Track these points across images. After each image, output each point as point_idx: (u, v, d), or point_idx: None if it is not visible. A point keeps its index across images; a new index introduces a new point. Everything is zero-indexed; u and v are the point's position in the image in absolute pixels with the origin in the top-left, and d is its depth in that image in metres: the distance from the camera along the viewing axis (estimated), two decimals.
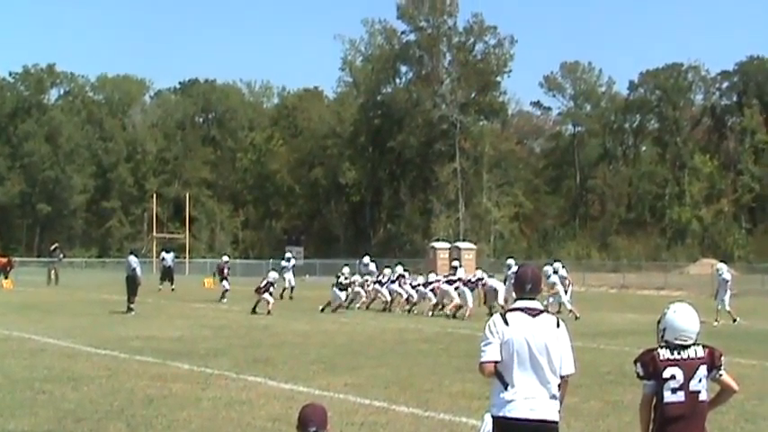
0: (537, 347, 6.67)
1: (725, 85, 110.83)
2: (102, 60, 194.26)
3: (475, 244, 70.05)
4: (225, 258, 41.60)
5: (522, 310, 6.85)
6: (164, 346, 20.52)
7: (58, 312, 31.17)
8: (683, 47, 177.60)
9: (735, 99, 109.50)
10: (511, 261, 36.43)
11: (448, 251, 63.76)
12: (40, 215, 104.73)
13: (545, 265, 34.55)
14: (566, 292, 32.67)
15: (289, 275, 41.58)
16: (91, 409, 12.75)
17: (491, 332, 6.79)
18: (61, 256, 55.85)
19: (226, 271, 39.10)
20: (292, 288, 40.95)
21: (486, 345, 6.78)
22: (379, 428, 11.45)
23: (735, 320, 29.35)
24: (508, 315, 6.85)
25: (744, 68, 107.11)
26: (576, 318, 29.33)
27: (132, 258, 32.40)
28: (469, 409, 12.51)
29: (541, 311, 6.90)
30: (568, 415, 12.11)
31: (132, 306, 30.68)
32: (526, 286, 6.97)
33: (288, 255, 44.74)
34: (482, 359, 6.79)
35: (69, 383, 15.04)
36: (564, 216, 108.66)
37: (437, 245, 66.10)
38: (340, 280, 34.03)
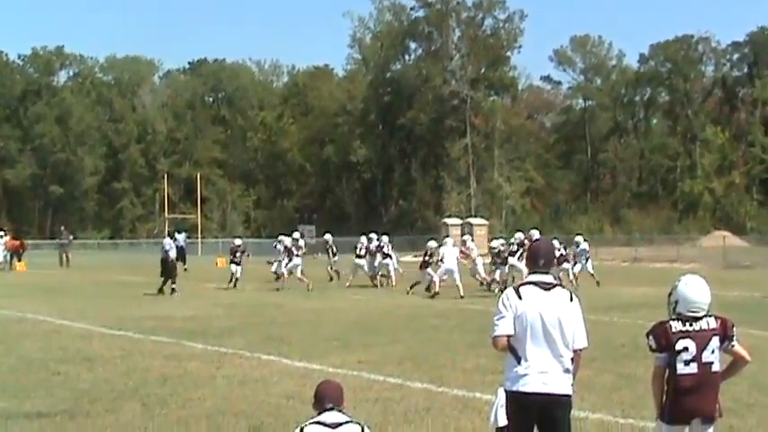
0: (550, 321, 6.70)
1: (736, 56, 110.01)
2: (111, 41, 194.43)
3: (487, 219, 70.11)
4: (237, 241, 38.35)
5: (535, 283, 6.87)
6: (178, 326, 20.61)
7: (72, 294, 31.30)
8: (694, 18, 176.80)
9: (746, 70, 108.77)
10: (579, 238, 35.67)
11: (460, 227, 63.85)
12: (51, 197, 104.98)
13: (577, 235, 36.47)
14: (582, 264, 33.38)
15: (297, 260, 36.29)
16: (106, 388, 12.83)
17: (504, 306, 6.81)
18: (70, 237, 55.91)
19: (238, 255, 35.81)
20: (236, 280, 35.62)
21: (499, 318, 6.80)
22: (393, 404, 11.49)
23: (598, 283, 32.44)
24: (521, 289, 6.88)
25: (754, 39, 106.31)
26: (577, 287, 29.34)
27: (167, 240, 32.28)
28: (483, 383, 12.53)
29: (555, 285, 6.92)
30: (582, 388, 12.12)
31: (174, 287, 30.28)
32: (539, 260, 7.00)
33: (296, 235, 38.48)
34: (495, 333, 6.81)
35: (84, 364, 15.13)
36: (575, 190, 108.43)
37: (449, 221, 66.21)
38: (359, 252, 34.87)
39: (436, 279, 29.77)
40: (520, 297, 6.79)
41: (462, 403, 11.59)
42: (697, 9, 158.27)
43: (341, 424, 6.28)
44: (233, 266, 35.10)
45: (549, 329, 6.70)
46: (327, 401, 6.46)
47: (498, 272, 30.94)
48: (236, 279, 34.53)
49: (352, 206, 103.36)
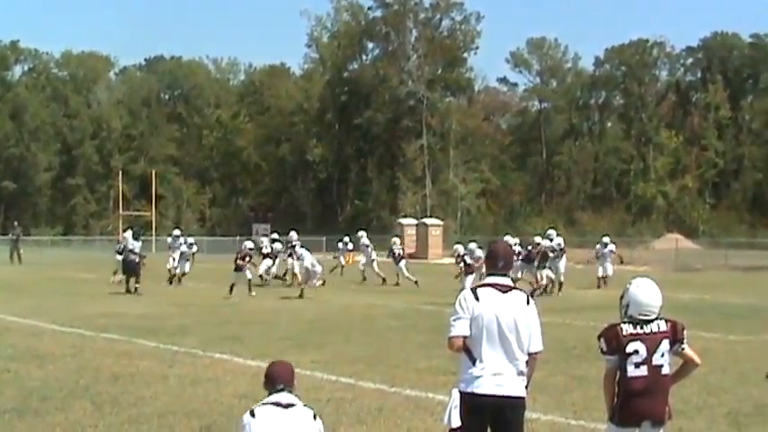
0: (506, 324, 6.71)
1: (689, 60, 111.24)
2: (67, 37, 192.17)
3: (442, 220, 70.24)
4: (176, 232, 37.84)
5: (492, 285, 6.88)
6: (130, 324, 20.48)
7: (23, 291, 31.01)
8: (648, 23, 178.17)
9: (699, 75, 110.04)
10: (606, 239, 36.22)
11: (415, 227, 63.99)
12: (4, 193, 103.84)
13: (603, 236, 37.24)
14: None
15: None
16: (56, 387, 12.72)
17: (461, 307, 6.81)
18: (18, 231, 55.06)
19: (180, 249, 35.39)
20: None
21: (455, 319, 6.80)
22: (346, 404, 11.49)
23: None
24: (479, 290, 6.88)
25: (708, 44, 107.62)
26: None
27: (133, 241, 31.44)
28: (436, 384, 12.56)
29: (512, 288, 6.93)
30: (534, 390, 12.14)
31: (138, 286, 29.72)
32: (498, 263, 7.01)
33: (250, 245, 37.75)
34: (451, 333, 6.81)
35: (34, 362, 14.99)
36: (530, 192, 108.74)
37: (404, 221, 66.31)
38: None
39: None
40: (477, 299, 6.79)
41: (415, 404, 11.61)
42: (652, 14, 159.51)
43: (293, 405, 6.29)
44: (172, 261, 35.35)
45: (505, 332, 6.70)
46: (279, 382, 6.44)
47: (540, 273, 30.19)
48: (181, 274, 34.77)
49: (308, 205, 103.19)
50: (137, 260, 30.34)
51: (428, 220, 67.18)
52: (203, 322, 21.24)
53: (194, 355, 15.84)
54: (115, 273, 33.55)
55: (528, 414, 10.67)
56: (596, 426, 9.89)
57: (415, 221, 66.57)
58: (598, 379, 6.95)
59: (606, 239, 36.07)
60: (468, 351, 6.75)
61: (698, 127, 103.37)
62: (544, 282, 30.11)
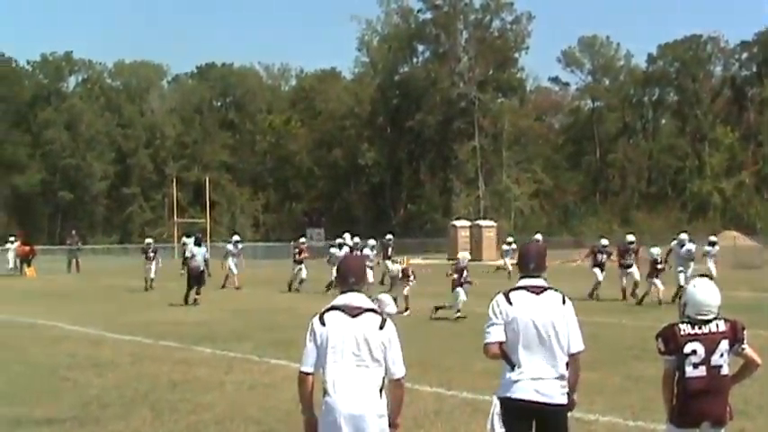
0: (542, 326, 6.64)
1: (744, 55, 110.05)
2: (119, 46, 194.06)
3: (495, 222, 70.00)
4: (148, 240, 39.48)
5: (525, 288, 6.81)
6: (187, 331, 20.60)
7: (81, 299, 31.27)
8: (702, 18, 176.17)
9: (754, 69, 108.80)
10: (684, 236, 30.99)
11: (469, 229, 63.82)
12: (61, 203, 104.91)
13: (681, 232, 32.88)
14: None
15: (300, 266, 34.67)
16: (116, 394, 12.84)
17: (494, 313, 6.77)
18: (77, 241, 55.69)
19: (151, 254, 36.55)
20: (301, 281, 34.22)
21: (490, 326, 6.76)
22: (403, 408, 11.45)
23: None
24: (512, 294, 6.81)
25: (763, 38, 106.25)
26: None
27: (195, 248, 29.65)
28: (492, 387, 12.23)
29: (546, 289, 6.84)
30: (591, 391, 12.11)
31: (197, 297, 28.07)
32: (530, 264, 6.95)
33: (303, 240, 37.50)
34: (486, 340, 6.77)
35: (93, 370, 15.15)
36: (584, 192, 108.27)
37: (458, 223, 66.12)
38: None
39: None
40: (510, 303, 6.73)
41: (472, 406, 11.60)
42: (705, 9, 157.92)
43: (361, 313, 6.39)
44: (149, 265, 35.86)
45: (542, 334, 6.63)
46: (351, 277, 6.56)
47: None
48: (150, 279, 35.44)
49: (361, 209, 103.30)
50: (201, 268, 28.73)
51: (482, 222, 66.97)
52: (258, 328, 21.30)
53: (250, 361, 15.91)
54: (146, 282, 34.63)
55: (585, 416, 10.68)
56: (656, 427, 9.82)
57: (468, 223, 66.36)
58: (655, 379, 6.89)
59: (684, 236, 30.89)
60: (505, 356, 6.71)
61: (754, 122, 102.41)
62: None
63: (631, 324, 21.19)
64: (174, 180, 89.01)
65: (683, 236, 30.53)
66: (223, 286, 34.63)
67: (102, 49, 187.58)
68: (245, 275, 36.56)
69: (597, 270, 29.50)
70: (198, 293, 28.24)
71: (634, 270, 28.44)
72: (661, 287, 26.46)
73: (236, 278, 34.93)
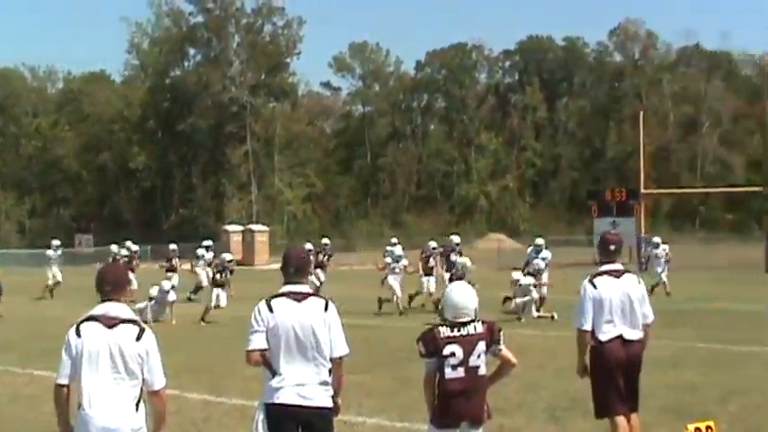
0: (303, 333, 6.66)
1: (507, 63, 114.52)
2: None
3: (268, 226, 70.10)
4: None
5: (287, 294, 6.83)
6: None
7: None
8: (467, 27, 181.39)
9: (517, 77, 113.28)
10: (657, 239, 32.91)
11: (241, 234, 63.72)
12: None
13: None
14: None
15: (54, 268, 34.86)
16: None
17: (256, 320, 6.76)
18: None
19: None
20: (57, 283, 34.40)
21: (252, 333, 6.76)
22: (169, 417, 11.37)
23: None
24: (273, 301, 6.81)
25: (524, 47, 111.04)
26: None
27: None
28: (261, 393, 12.55)
29: (309, 295, 6.88)
30: (361, 393, 12.37)
31: None
32: (290, 269, 6.95)
33: (55, 242, 36.68)
34: (248, 347, 6.77)
35: None
36: (356, 195, 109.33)
37: (230, 228, 65.99)
38: None
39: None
40: (271, 310, 6.74)
41: (241, 412, 11.61)
42: (470, 18, 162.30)
43: (117, 324, 6.30)
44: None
45: (303, 341, 6.66)
46: (107, 285, 6.46)
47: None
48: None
49: (132, 214, 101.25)
50: None
51: (254, 226, 66.93)
52: (24, 337, 20.70)
53: (13, 373, 15.48)
54: None
55: (354, 418, 10.90)
56: (420, 427, 10.05)
57: (241, 228, 66.24)
58: (422, 381, 7.09)
59: (657, 239, 33.29)
60: (267, 364, 6.73)
61: (517, 128, 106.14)
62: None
63: (399, 326, 21.66)
64: None
65: (656, 239, 33.20)
66: None
67: None
68: (12, 282, 35.24)
69: (427, 279, 26.67)
70: None
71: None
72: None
73: None
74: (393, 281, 26.00)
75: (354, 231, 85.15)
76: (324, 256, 32.55)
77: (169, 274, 31.96)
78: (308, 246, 30.27)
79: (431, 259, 27.19)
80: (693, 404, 11.90)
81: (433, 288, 26.32)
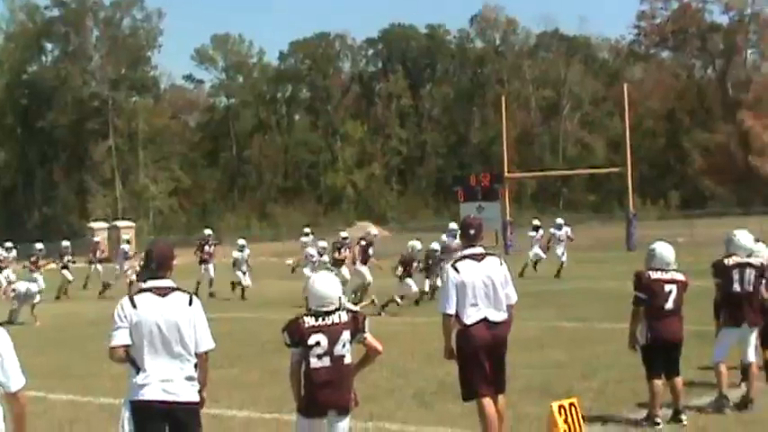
0: (167, 328, 6.63)
1: (371, 52, 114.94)
2: None
3: (134, 222, 69.15)
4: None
5: (150, 290, 6.80)
6: None
7: None
8: (330, 16, 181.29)
9: (380, 66, 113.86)
10: (560, 220, 34.46)
11: (107, 231, 62.71)
12: None
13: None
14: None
15: None
16: None
17: (119, 316, 6.71)
18: None
19: None
20: None
21: (115, 329, 6.71)
22: (35, 419, 11.20)
23: None
24: (136, 297, 6.78)
25: (387, 36, 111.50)
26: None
27: None
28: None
29: (173, 289, 6.84)
30: (230, 387, 12.36)
31: None
32: (152, 264, 6.93)
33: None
34: (111, 344, 6.73)
35: None
36: (222, 188, 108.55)
37: (95, 225, 64.79)
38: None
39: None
40: (134, 306, 6.70)
41: (109, 412, 11.41)
42: (333, 7, 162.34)
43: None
44: None
45: (167, 336, 6.63)
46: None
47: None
48: None
49: None
50: None
51: (120, 223, 65.92)
52: None
53: None
54: None
55: (223, 411, 10.89)
56: (289, 418, 10.07)
57: (106, 225, 65.16)
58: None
59: (560, 220, 34.27)
60: (131, 360, 6.68)
61: (382, 116, 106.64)
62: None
63: (270, 317, 21.61)
64: None
65: (560, 220, 34.36)
66: None
67: None
68: None
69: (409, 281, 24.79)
70: None
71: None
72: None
73: None
74: (363, 268, 26.51)
75: (222, 224, 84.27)
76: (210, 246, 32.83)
77: (34, 275, 31.27)
78: (344, 234, 30.76)
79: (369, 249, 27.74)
80: (558, 382, 12.22)
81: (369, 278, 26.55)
